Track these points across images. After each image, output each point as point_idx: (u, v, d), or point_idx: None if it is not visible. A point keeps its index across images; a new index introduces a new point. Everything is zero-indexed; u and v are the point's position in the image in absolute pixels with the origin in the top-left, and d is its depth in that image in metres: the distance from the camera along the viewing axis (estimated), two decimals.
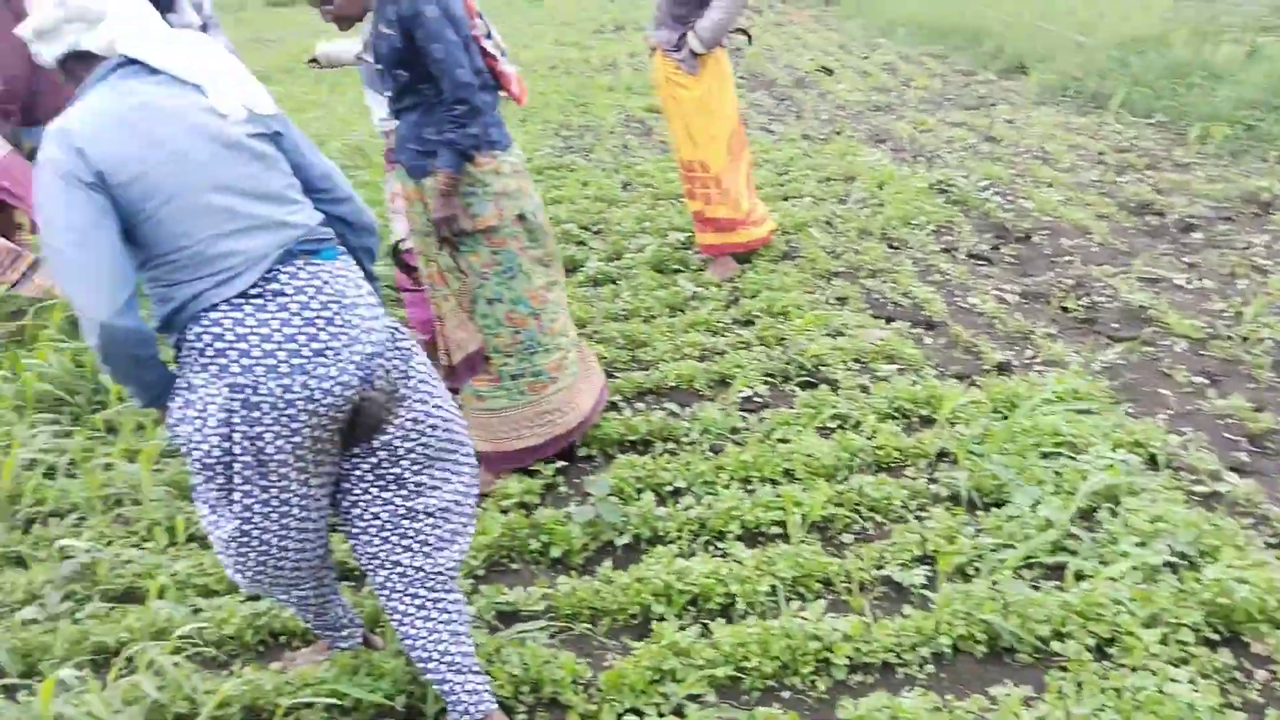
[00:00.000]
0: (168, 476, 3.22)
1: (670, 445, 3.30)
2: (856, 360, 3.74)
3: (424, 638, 2.05)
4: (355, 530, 2.06)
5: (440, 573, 2.08)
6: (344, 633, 2.37)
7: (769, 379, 3.67)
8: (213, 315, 1.80)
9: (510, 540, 2.85)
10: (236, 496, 1.87)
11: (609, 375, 3.78)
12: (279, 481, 1.87)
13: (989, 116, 7.46)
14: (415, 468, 2.03)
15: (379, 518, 2.03)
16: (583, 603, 2.57)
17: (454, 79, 2.66)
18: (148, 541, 2.95)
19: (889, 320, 4.10)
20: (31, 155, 4.29)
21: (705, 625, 2.47)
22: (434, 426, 2.04)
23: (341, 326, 1.86)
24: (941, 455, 3.12)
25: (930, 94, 8.40)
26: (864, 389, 3.52)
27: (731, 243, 4.63)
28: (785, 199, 5.73)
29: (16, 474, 3.17)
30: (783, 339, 3.94)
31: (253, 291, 1.81)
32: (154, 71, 1.83)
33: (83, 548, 2.85)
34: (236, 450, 1.82)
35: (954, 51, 10.08)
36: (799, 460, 3.03)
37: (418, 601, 2.06)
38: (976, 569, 2.61)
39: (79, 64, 1.86)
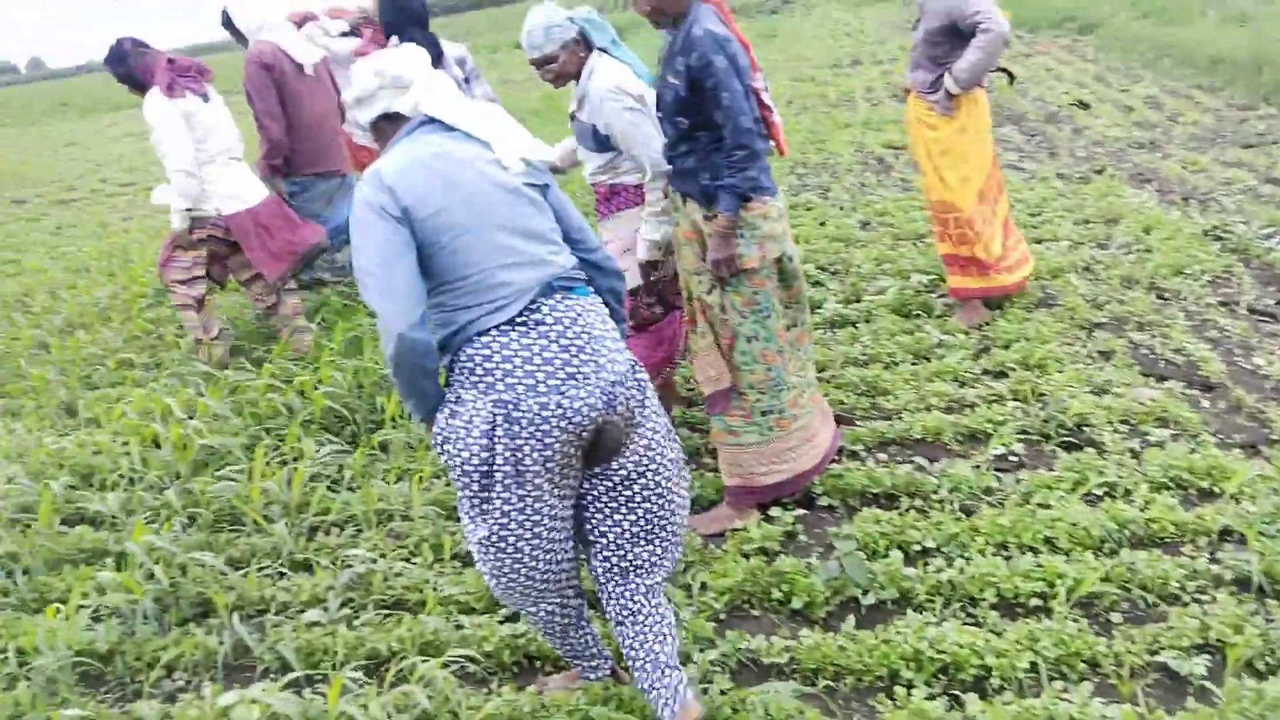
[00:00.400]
0: (435, 496, 3.45)
1: (917, 501, 3.20)
2: (1125, 422, 3.49)
3: (642, 642, 2.24)
4: (592, 546, 2.27)
5: (656, 585, 2.29)
6: (592, 662, 2.46)
7: (1025, 437, 3.49)
8: (484, 339, 2.03)
9: (752, 586, 2.85)
10: (496, 503, 2.06)
11: (848, 422, 3.73)
12: (533, 491, 2.05)
13: (1270, 156, 6.80)
14: (645, 492, 2.21)
15: (608, 535, 2.24)
16: (826, 659, 2.54)
17: (737, 125, 2.78)
18: (416, 557, 3.18)
19: (1160, 379, 3.80)
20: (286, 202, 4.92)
21: (956, 697, 2.38)
22: (663, 454, 2.23)
23: (591, 355, 2.07)
24: (1226, 534, 2.85)
25: (1201, 130, 7.76)
26: (1134, 454, 3.28)
27: (983, 287, 4.46)
28: (1039, 242, 5.45)
29: (305, 485, 3.50)
30: (1040, 394, 3.74)
31: (518, 319, 2.05)
32: (449, 129, 2.16)
33: (360, 559, 3.11)
34: (498, 460, 2.01)
35: (1228, 84, 9.27)
36: (1062, 529, 2.86)
37: (641, 612, 2.26)
38: (1270, 665, 2.37)
39: (388, 123, 2.22)
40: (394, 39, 4.51)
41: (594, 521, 2.24)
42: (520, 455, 2.00)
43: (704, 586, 2.88)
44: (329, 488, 3.57)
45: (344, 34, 5.96)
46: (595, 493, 2.21)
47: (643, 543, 2.25)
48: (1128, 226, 5.49)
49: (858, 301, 4.90)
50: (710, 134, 2.87)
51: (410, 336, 1.96)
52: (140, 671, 2.85)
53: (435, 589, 2.95)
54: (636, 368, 2.18)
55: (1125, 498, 3.05)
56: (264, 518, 3.42)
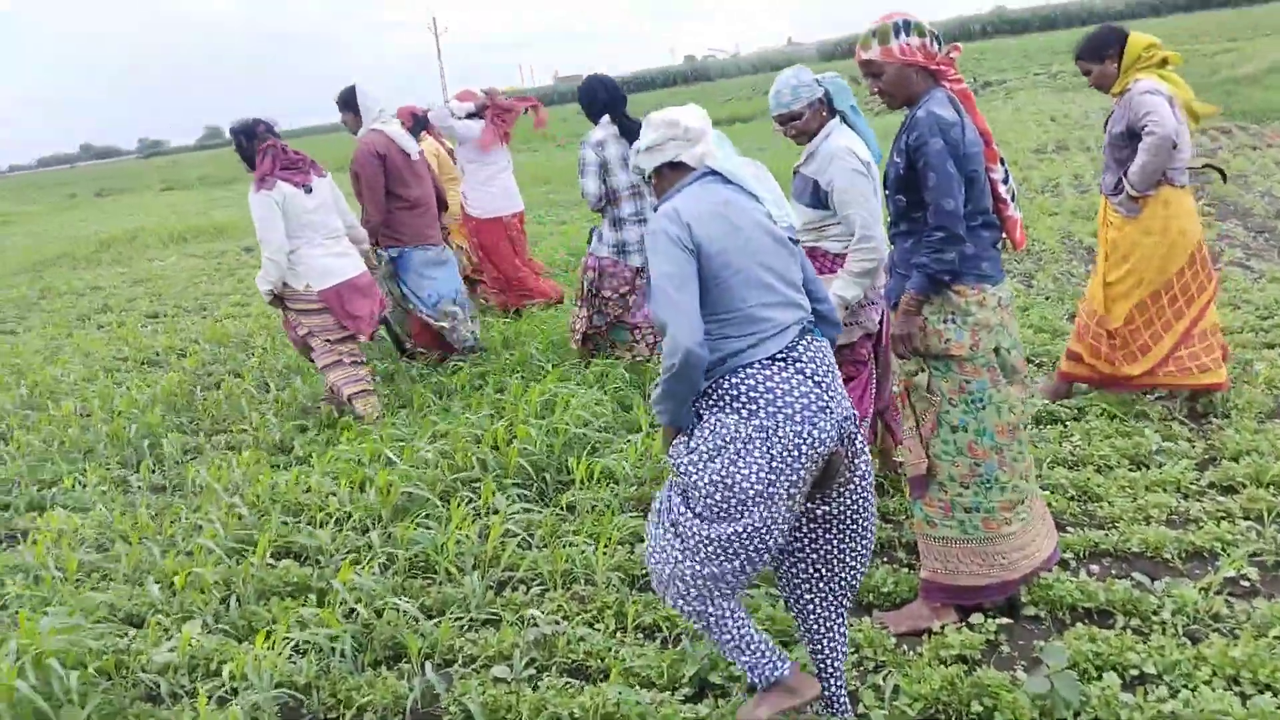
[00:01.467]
0: (618, 561, 3.46)
1: (1135, 621, 2.95)
2: None
3: (832, 645, 2.59)
4: (794, 559, 2.55)
5: (845, 602, 2.60)
6: (768, 659, 2.45)
7: (1260, 561, 3.17)
8: (749, 370, 2.29)
9: (949, 696, 2.68)
10: (741, 517, 2.27)
11: (1058, 528, 3.50)
12: (775, 508, 2.28)
13: None
14: (850, 521, 2.49)
15: (815, 553, 2.53)
16: None
17: (939, 206, 2.76)
18: (598, 623, 3.18)
19: None
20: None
21: None
22: (868, 489, 2.49)
23: (831, 392, 2.34)
24: None
25: None
26: None
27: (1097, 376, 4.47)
28: (1270, 347, 5.04)
29: (500, 541, 3.59)
30: (1277, 515, 3.40)
31: (779, 355, 2.31)
32: (728, 181, 2.44)
33: (545, 620, 3.14)
34: (751, 479, 2.24)
35: None
36: None
37: (831, 620, 2.58)
38: None
39: (671, 171, 2.51)
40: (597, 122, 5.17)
41: (805, 539, 2.51)
42: (773, 477, 2.24)
43: (897, 690, 2.73)
44: (520, 544, 3.64)
45: (469, 115, 6.75)
46: (817, 514, 2.48)
47: (847, 564, 2.54)
48: None
49: (1068, 397, 4.64)
50: (925, 215, 2.84)
51: (696, 352, 2.20)
52: (334, 708, 2.96)
53: (617, 658, 2.94)
54: (853, 409, 2.43)
55: None
56: (456, 568, 3.52)
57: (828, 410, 2.29)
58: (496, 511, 3.85)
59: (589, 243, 5.41)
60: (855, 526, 2.50)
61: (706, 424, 2.31)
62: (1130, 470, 3.88)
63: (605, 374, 5.13)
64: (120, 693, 3.06)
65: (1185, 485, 3.71)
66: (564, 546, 3.57)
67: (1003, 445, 2.93)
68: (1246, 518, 3.43)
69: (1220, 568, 3.13)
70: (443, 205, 6.05)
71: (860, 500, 2.47)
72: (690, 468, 2.32)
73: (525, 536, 3.71)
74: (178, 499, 4.58)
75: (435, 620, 3.27)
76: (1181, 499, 3.62)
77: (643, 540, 3.68)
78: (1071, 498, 3.71)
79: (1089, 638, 2.81)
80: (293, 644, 3.15)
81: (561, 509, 3.92)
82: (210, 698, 2.90)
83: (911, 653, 2.92)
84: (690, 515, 2.34)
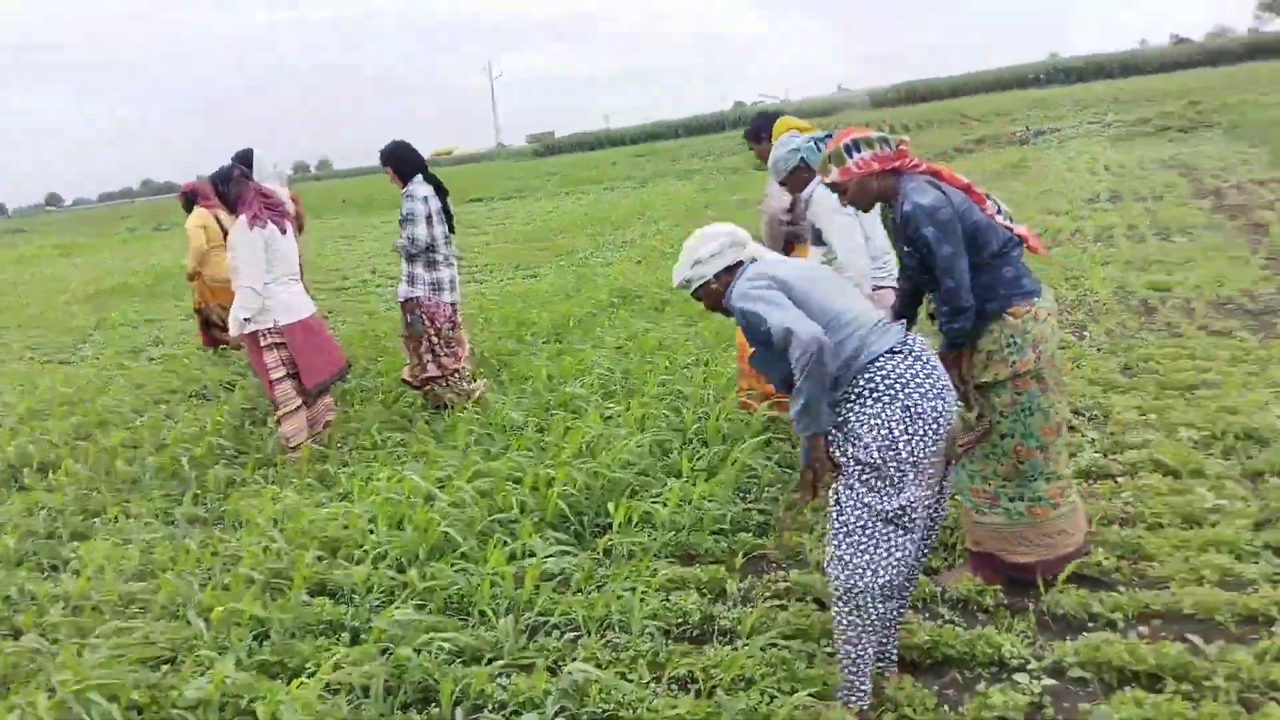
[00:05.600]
0: (654, 609, 3.41)
1: (1186, 686, 2.84)
2: None
3: (903, 606, 2.98)
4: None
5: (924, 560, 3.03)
6: (865, 690, 2.80)
7: None
8: (877, 364, 2.65)
9: None
10: (905, 488, 2.61)
11: (1106, 587, 3.40)
12: (922, 477, 2.63)
13: None
14: (944, 489, 2.90)
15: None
16: None
17: (944, 286, 3.09)
18: (631, 673, 3.13)
19: None
20: None
21: None
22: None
23: (945, 376, 2.72)
24: None
25: None
26: None
27: None
28: None
29: (537, 585, 3.56)
30: None
31: (896, 349, 2.68)
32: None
33: (579, 667, 3.09)
34: (903, 453, 2.59)
35: None
36: None
37: (914, 582, 3.02)
38: None
39: (726, 273, 2.95)
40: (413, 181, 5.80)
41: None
42: (920, 447, 2.59)
43: None
44: (555, 589, 3.61)
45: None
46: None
47: (934, 528, 2.97)
48: None
49: (1118, 453, 4.53)
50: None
51: (822, 338, 2.56)
52: None
53: (651, 709, 2.89)
54: None
55: None
56: (491, 610, 3.49)
57: (946, 389, 2.67)
58: (533, 554, 3.83)
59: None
60: (944, 495, 2.92)
61: (855, 417, 2.65)
62: (1183, 529, 3.76)
63: (645, 416, 5.12)
64: None
65: (1241, 546, 3.58)
66: (600, 592, 3.53)
67: (1048, 444, 3.25)
68: None
69: (1276, 633, 3.01)
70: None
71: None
72: (854, 455, 2.64)
73: (562, 580, 3.67)
74: (218, 531, 4.63)
75: (467, 662, 3.25)
76: (1236, 560, 3.49)
77: (680, 588, 3.63)
78: (1122, 556, 3.60)
79: (1137, 702, 2.72)
80: (324, 683, 3.14)
81: (598, 553, 3.89)
82: None
83: (953, 712, 2.84)
84: (860, 503, 2.65)
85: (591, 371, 6.18)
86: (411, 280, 5.82)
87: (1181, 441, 4.51)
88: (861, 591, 2.68)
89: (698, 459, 4.55)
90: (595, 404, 5.48)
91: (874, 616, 2.71)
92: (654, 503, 4.13)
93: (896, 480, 2.62)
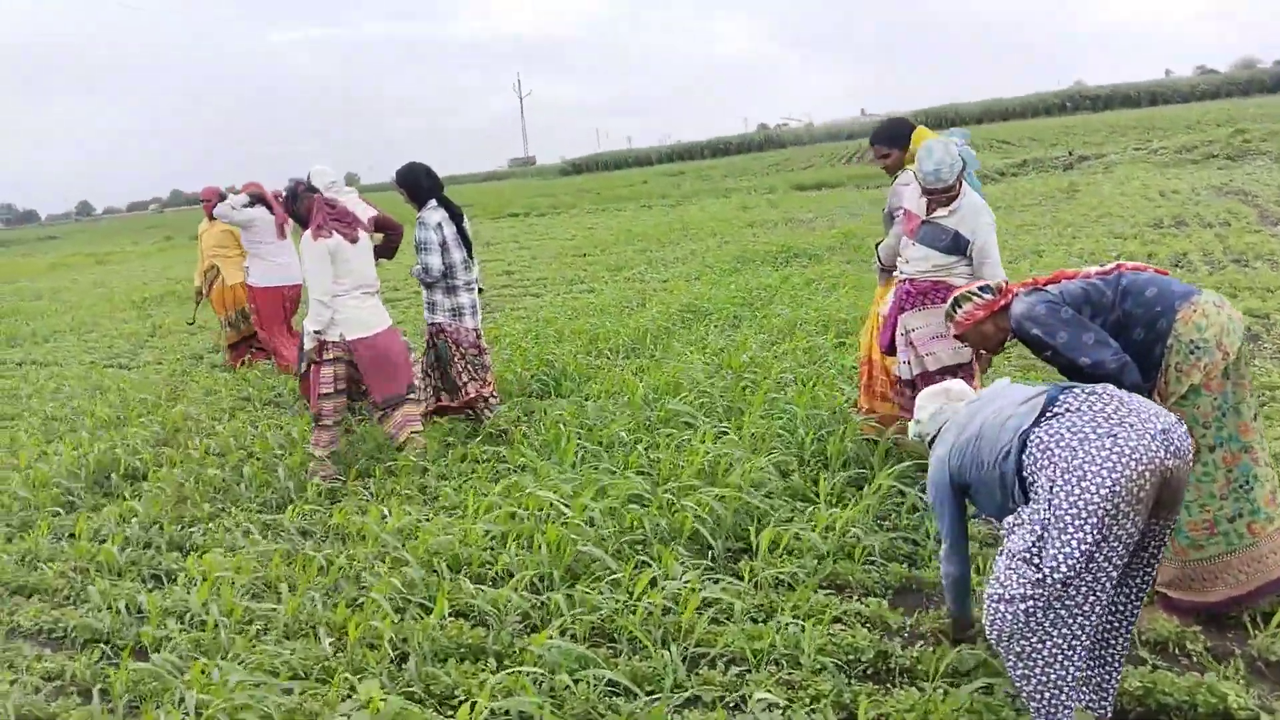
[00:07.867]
0: (823, 642, 3.20)
1: None
2: None
3: (1122, 654, 2.73)
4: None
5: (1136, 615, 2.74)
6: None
7: None
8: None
9: None
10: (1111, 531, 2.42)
11: None
12: (1123, 521, 2.41)
13: None
14: (1159, 550, 2.65)
15: (1136, 580, 2.67)
16: None
17: (1084, 368, 2.99)
18: (815, 714, 2.91)
19: None
20: None
21: None
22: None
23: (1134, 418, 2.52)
24: None
25: None
26: None
27: None
28: None
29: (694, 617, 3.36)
30: None
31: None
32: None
33: (760, 703, 2.89)
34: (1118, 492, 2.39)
35: None
36: None
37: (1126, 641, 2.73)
38: None
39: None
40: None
41: (1136, 565, 2.65)
42: (1128, 489, 2.38)
43: None
44: (713, 620, 3.41)
45: (249, 204, 7.84)
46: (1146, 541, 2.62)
47: (1141, 595, 2.71)
48: None
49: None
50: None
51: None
52: None
53: None
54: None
55: None
56: (644, 638, 3.29)
57: (1136, 433, 2.46)
58: (670, 578, 3.63)
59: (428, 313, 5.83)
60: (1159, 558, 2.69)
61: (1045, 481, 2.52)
62: None
63: (759, 436, 4.92)
64: None
65: None
66: (764, 623, 3.33)
67: (1250, 444, 3.07)
68: None
69: None
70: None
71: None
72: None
73: (719, 609, 3.47)
74: (327, 545, 4.45)
75: (624, 695, 3.05)
76: None
77: (837, 620, 3.42)
78: None
79: None
80: (486, 712, 2.95)
81: (743, 580, 3.69)
82: None
83: None
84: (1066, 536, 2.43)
85: (688, 389, 5.99)
86: (432, 308, 5.78)
87: None
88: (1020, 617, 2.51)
89: (832, 484, 4.34)
90: (703, 422, 5.29)
91: (1069, 652, 2.51)
92: (800, 529, 3.92)
93: (1100, 521, 2.49)
